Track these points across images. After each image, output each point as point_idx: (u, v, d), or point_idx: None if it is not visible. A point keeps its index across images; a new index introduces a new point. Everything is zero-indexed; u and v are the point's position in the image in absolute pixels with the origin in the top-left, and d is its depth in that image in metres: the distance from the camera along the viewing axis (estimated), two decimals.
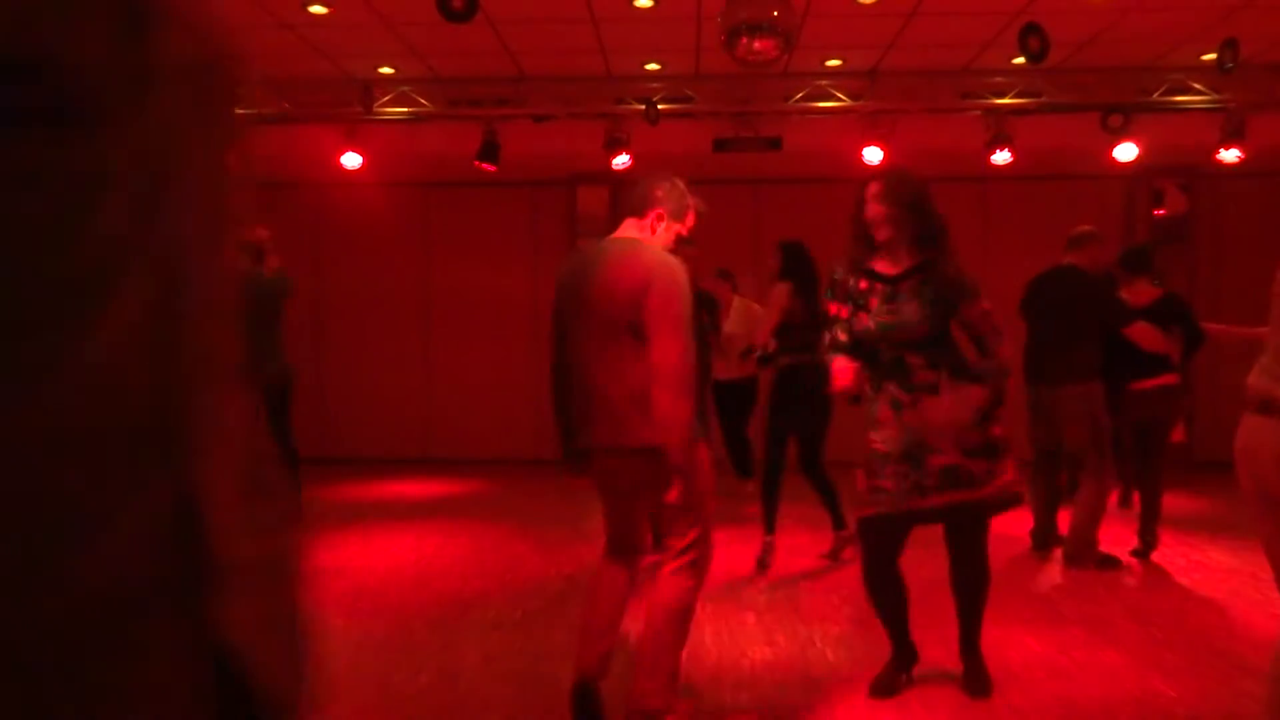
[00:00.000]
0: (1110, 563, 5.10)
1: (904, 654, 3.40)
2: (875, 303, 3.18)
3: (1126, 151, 7.89)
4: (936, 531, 3.29)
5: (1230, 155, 7.72)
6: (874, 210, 3.18)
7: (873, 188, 3.22)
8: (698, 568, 2.99)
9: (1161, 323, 5.09)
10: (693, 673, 3.54)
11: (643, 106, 7.77)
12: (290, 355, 6.22)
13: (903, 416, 3.11)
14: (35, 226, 0.55)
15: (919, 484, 3.08)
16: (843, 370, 3.13)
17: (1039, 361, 5.18)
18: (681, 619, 2.97)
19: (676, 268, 2.94)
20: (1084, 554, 5.09)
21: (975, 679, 3.34)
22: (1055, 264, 5.30)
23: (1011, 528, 6.07)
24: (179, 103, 0.60)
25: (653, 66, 7.79)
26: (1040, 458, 5.40)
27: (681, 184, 3.12)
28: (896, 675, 3.39)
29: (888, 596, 3.31)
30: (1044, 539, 5.43)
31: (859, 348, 3.21)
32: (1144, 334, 5.00)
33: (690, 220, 3.12)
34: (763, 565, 5.21)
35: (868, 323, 3.18)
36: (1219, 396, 7.40)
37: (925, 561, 3.62)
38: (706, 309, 6.85)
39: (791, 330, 5.10)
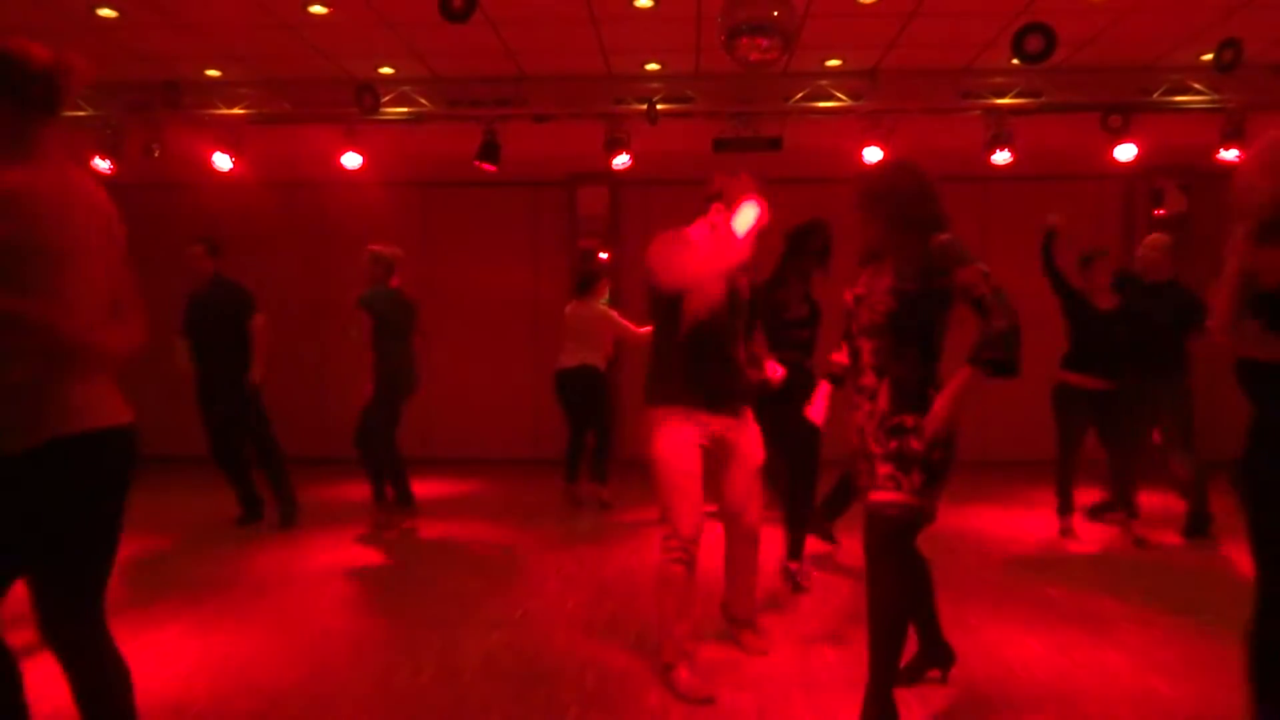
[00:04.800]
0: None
1: (926, 649, 3.41)
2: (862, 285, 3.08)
3: (1126, 151, 7.89)
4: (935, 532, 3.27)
5: (1230, 155, 7.72)
6: (855, 213, 3.11)
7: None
8: (664, 542, 3.34)
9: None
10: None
11: (643, 106, 7.77)
12: (290, 356, 6.21)
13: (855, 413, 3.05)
14: None
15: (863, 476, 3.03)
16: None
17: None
18: (658, 588, 3.39)
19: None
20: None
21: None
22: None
23: (1016, 530, 6.07)
24: None
25: (653, 66, 7.79)
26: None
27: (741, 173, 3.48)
28: (919, 669, 3.42)
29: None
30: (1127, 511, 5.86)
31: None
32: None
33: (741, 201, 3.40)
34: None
35: (849, 301, 3.10)
36: (1216, 398, 7.38)
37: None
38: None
39: None
